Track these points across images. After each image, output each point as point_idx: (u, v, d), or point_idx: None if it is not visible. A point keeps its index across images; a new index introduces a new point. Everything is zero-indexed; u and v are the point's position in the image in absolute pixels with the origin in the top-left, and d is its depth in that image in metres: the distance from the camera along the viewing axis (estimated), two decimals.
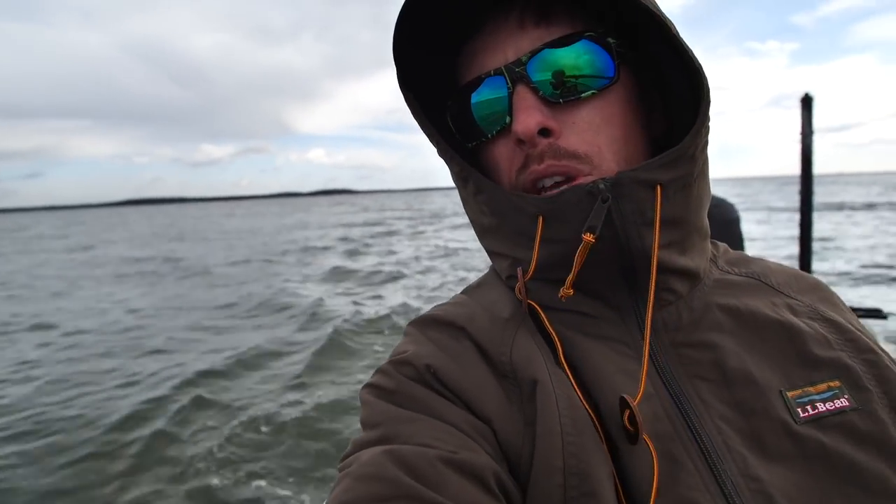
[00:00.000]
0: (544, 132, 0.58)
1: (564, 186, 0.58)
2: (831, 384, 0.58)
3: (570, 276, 0.58)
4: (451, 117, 0.66)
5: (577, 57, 0.59)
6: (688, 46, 0.58)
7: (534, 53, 0.59)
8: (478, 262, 16.55)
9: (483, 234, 0.68)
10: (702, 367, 0.59)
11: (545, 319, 0.63)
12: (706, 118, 0.59)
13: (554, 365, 0.60)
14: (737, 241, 2.36)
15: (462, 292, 0.74)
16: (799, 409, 0.56)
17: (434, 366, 0.60)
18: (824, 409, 0.57)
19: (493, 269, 0.75)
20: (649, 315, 0.58)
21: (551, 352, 0.62)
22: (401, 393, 0.59)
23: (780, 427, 0.55)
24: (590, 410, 0.56)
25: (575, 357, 0.61)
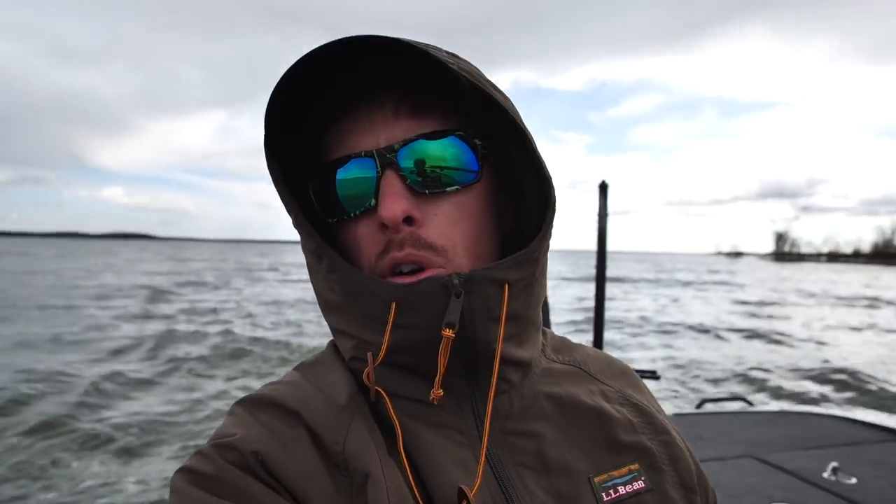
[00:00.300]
0: (408, 220, 0.58)
1: (421, 276, 0.58)
2: (632, 467, 0.65)
3: (438, 377, 0.58)
4: (314, 190, 0.64)
5: (445, 152, 0.61)
6: (542, 157, 0.62)
7: (406, 142, 0.60)
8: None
9: (328, 310, 0.65)
10: (526, 455, 0.62)
11: (391, 407, 0.60)
12: (551, 225, 0.63)
13: (387, 456, 0.58)
14: (545, 314, 2.12)
15: (295, 369, 0.69)
16: (603, 493, 0.62)
17: (263, 453, 0.56)
18: (624, 491, 0.63)
19: (331, 347, 0.71)
20: (490, 406, 0.60)
21: (389, 440, 0.60)
22: (221, 481, 0.55)
23: None
24: (421, 502, 0.56)
25: (413, 446, 0.60)
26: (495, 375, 0.60)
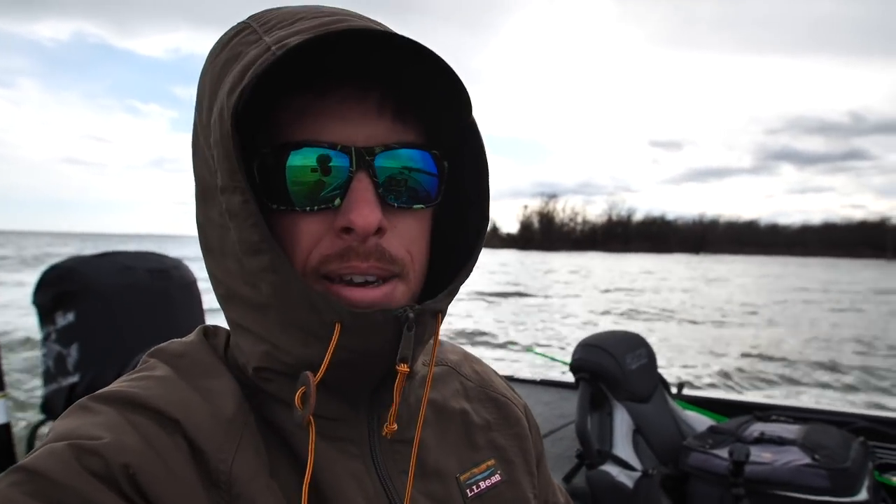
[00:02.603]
0: (378, 231, 0.54)
1: (379, 289, 0.55)
2: (489, 463, 0.70)
3: (393, 409, 0.56)
4: (259, 168, 0.53)
5: (421, 166, 0.57)
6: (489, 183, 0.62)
7: (388, 147, 0.55)
8: None
9: (239, 305, 0.56)
10: (408, 462, 0.61)
11: (312, 436, 0.53)
12: (477, 258, 0.62)
13: (273, 483, 0.53)
14: (197, 302, 2.47)
15: (162, 360, 0.58)
16: (467, 490, 0.66)
17: (135, 468, 0.46)
18: (484, 486, 0.68)
19: (201, 339, 0.61)
20: (419, 434, 0.61)
21: (278, 459, 0.56)
22: (72, 493, 0.44)
23: None
24: None
25: (315, 469, 0.56)
26: (426, 396, 0.61)
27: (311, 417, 0.52)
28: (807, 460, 2.25)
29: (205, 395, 0.55)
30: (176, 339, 0.62)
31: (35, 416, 2.40)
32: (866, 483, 2.25)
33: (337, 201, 0.53)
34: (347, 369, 0.54)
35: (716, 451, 2.42)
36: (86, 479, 0.45)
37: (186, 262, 2.57)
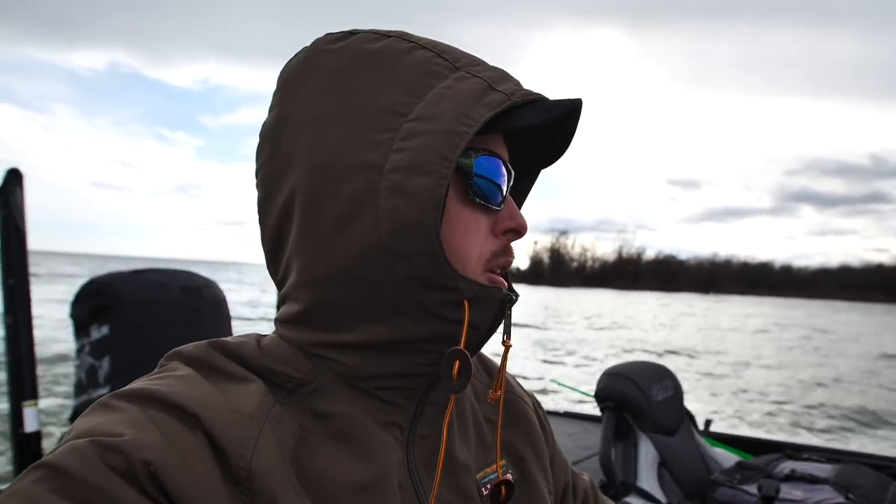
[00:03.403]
0: None
1: (504, 281, 0.64)
2: (501, 462, 0.72)
3: (501, 377, 0.65)
4: (477, 161, 0.60)
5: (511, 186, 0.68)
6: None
7: (511, 171, 0.65)
8: None
9: (345, 283, 0.58)
10: (436, 457, 0.63)
11: (449, 412, 0.61)
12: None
13: (295, 481, 0.54)
14: (226, 321, 2.48)
15: (180, 360, 0.60)
16: (482, 489, 0.68)
17: (156, 464, 0.47)
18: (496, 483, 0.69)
19: (223, 343, 0.61)
20: (501, 422, 0.69)
21: (336, 445, 0.58)
22: (95, 490, 0.44)
23: None
24: None
25: (363, 450, 0.59)
26: (502, 392, 0.67)
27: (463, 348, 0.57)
28: (840, 500, 2.19)
29: (224, 391, 0.55)
30: (192, 343, 0.62)
31: (66, 426, 2.43)
32: None
33: (502, 206, 0.63)
34: (450, 347, 0.58)
35: (744, 487, 2.37)
36: (108, 476, 0.45)
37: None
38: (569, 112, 0.61)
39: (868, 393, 13.47)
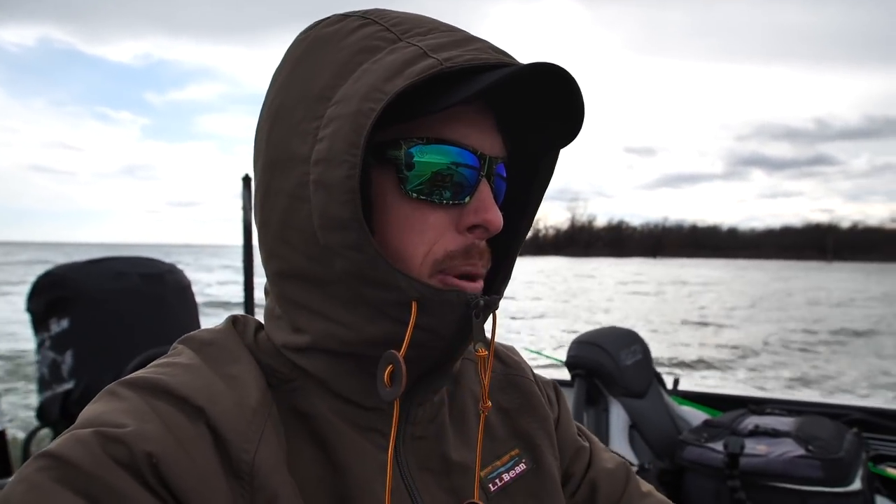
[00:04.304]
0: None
1: (473, 285, 0.58)
2: (512, 454, 0.69)
3: (485, 386, 0.59)
4: (408, 152, 0.55)
5: (504, 175, 0.63)
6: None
7: (501, 160, 0.60)
8: None
9: (299, 280, 0.57)
10: (431, 459, 0.63)
11: (396, 419, 0.55)
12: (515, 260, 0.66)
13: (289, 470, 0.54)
14: (192, 307, 2.48)
15: (190, 347, 0.58)
16: (490, 485, 0.66)
17: (158, 456, 0.47)
18: (508, 478, 0.67)
19: (233, 330, 0.62)
20: (482, 431, 0.64)
21: (312, 448, 0.57)
22: (98, 481, 0.44)
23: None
24: None
25: (337, 449, 0.58)
26: (485, 394, 0.61)
27: (396, 401, 0.54)
28: (800, 452, 2.29)
29: (229, 384, 0.55)
30: (206, 328, 0.62)
31: (34, 423, 2.35)
32: (860, 473, 2.29)
33: (467, 198, 0.57)
34: (412, 350, 0.55)
35: (711, 445, 2.46)
36: (111, 467, 0.45)
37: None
38: (554, 83, 0.55)
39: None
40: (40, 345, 2.23)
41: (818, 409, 2.93)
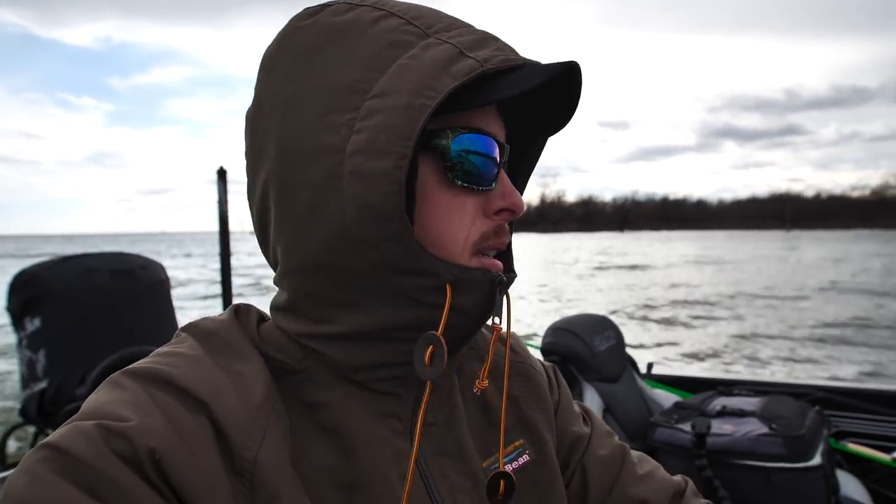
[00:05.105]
0: None
1: (497, 264, 0.61)
2: (517, 444, 0.70)
3: (488, 365, 0.59)
4: (454, 141, 0.56)
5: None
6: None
7: (507, 146, 0.63)
8: None
9: (323, 272, 0.57)
10: (446, 444, 0.64)
11: (426, 399, 0.55)
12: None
13: (296, 465, 0.54)
14: (166, 302, 2.52)
15: (194, 336, 0.57)
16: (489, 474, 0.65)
17: (160, 452, 0.46)
18: (511, 469, 0.67)
19: (236, 320, 0.61)
20: (504, 419, 0.65)
21: (325, 438, 0.57)
22: (99, 474, 0.44)
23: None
24: None
25: (351, 445, 0.58)
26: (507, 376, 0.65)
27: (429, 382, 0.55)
28: (764, 430, 2.37)
29: (233, 378, 0.54)
30: (209, 317, 0.62)
31: (17, 421, 2.34)
32: (820, 449, 2.38)
33: (493, 184, 0.60)
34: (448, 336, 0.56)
35: (680, 426, 2.54)
36: (113, 461, 0.45)
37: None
38: (561, 76, 0.57)
39: None
40: (19, 343, 2.23)
41: (783, 389, 3.03)
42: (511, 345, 0.76)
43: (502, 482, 0.62)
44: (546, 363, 0.82)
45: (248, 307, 0.64)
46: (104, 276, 2.31)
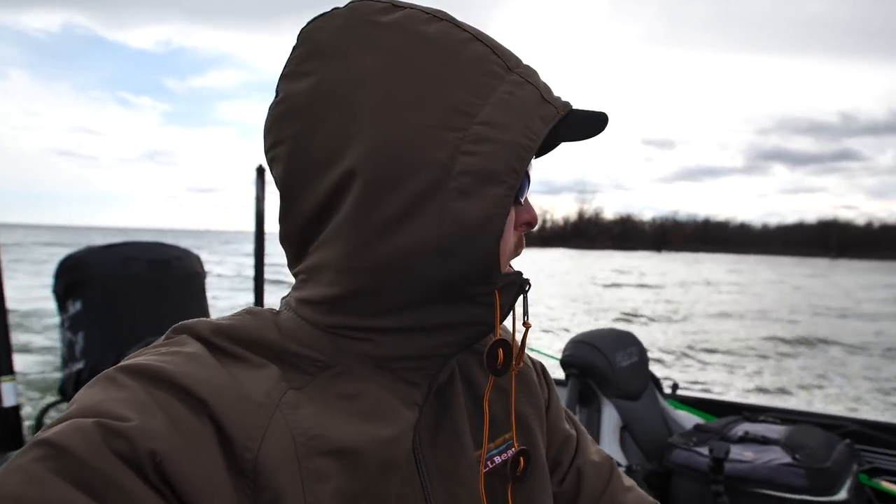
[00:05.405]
0: None
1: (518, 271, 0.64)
2: (506, 437, 0.71)
3: (519, 356, 0.64)
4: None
5: None
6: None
7: None
8: None
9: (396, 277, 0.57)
10: (444, 436, 0.65)
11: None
12: None
13: (305, 477, 0.53)
14: (199, 294, 2.55)
15: (190, 334, 0.56)
16: (489, 462, 0.68)
17: (161, 454, 0.45)
18: (499, 461, 0.69)
19: (245, 318, 0.59)
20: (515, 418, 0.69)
21: (359, 421, 0.57)
22: (99, 474, 0.43)
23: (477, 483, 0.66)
24: None
25: (387, 431, 0.58)
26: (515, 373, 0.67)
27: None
28: (787, 459, 2.31)
29: (235, 375, 0.53)
30: (208, 318, 0.60)
31: (54, 398, 2.44)
32: (848, 484, 2.31)
33: (523, 199, 0.63)
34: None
35: (698, 449, 2.49)
36: (113, 462, 0.44)
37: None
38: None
39: None
40: (61, 325, 2.34)
41: (813, 420, 2.93)
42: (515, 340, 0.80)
43: (522, 459, 0.67)
44: (537, 361, 0.84)
45: (259, 308, 0.64)
46: (141, 264, 2.40)
